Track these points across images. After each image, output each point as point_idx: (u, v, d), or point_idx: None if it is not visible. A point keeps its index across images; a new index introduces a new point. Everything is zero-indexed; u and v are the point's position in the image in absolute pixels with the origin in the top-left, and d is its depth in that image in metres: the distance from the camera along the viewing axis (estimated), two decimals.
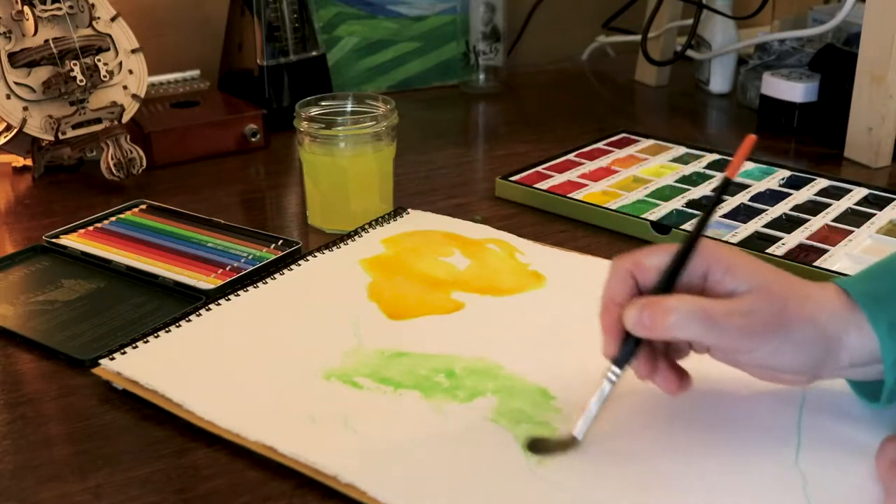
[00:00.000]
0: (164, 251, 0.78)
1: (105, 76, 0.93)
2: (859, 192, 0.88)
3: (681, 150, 1.00)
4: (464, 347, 0.63)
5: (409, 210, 0.85)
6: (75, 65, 0.91)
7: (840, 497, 0.49)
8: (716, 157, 0.97)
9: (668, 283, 0.52)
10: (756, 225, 0.81)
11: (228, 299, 0.70)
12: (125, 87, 0.96)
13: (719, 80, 1.25)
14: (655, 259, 0.53)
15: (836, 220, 0.82)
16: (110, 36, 0.95)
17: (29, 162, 0.98)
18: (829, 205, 0.85)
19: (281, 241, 0.79)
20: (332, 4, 1.21)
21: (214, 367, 0.62)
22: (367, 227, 0.82)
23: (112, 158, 0.92)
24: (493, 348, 0.63)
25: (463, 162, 1.03)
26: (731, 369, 0.54)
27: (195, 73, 1.17)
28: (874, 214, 0.83)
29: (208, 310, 0.68)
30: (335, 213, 0.83)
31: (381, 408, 0.57)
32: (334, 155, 0.81)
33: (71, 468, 0.54)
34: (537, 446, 0.53)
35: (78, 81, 0.91)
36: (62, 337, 0.66)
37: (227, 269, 0.75)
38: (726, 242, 0.77)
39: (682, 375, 0.53)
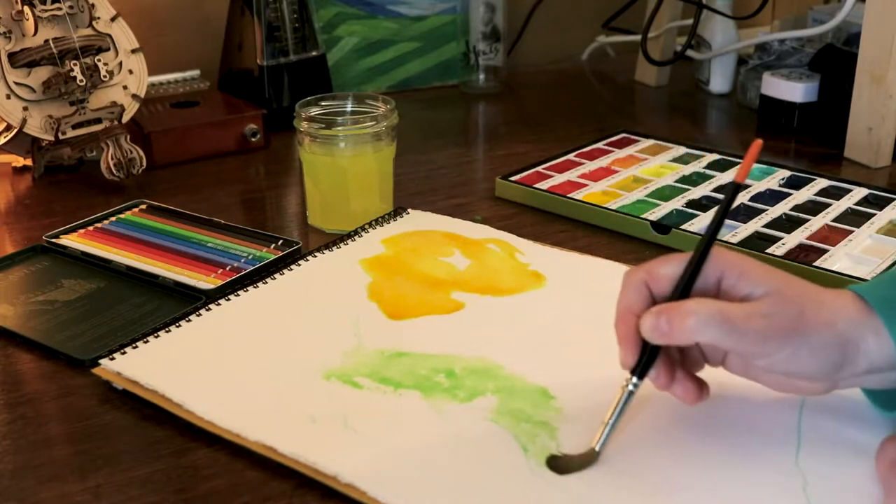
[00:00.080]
0: (164, 251, 0.78)
1: (105, 76, 0.93)
2: (859, 192, 0.88)
3: (681, 150, 1.00)
4: (464, 347, 0.63)
5: (409, 210, 0.85)
6: (75, 65, 0.91)
7: (840, 497, 0.49)
8: (716, 157, 0.97)
9: (685, 290, 0.52)
10: (756, 225, 0.81)
11: (228, 299, 0.70)
12: (125, 87, 0.96)
13: (719, 80, 1.25)
14: (668, 268, 0.52)
15: (836, 220, 0.82)
16: (110, 36, 0.95)
17: (29, 162, 0.98)
18: (829, 205, 0.85)
19: (281, 241, 0.79)
20: (332, 4, 1.21)
21: (214, 367, 0.62)
22: (367, 227, 0.82)
23: (112, 158, 0.92)
24: (493, 348, 0.63)
25: (463, 162, 1.03)
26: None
27: (195, 73, 1.17)
28: (874, 214, 0.83)
29: (208, 310, 0.68)
30: (335, 213, 0.83)
31: (381, 408, 0.57)
32: (334, 155, 0.81)
33: (71, 468, 0.54)
34: (558, 464, 0.52)
35: (78, 81, 0.91)
36: (62, 337, 0.66)
37: (227, 269, 0.75)
38: (726, 242, 0.77)
39: (700, 385, 0.53)
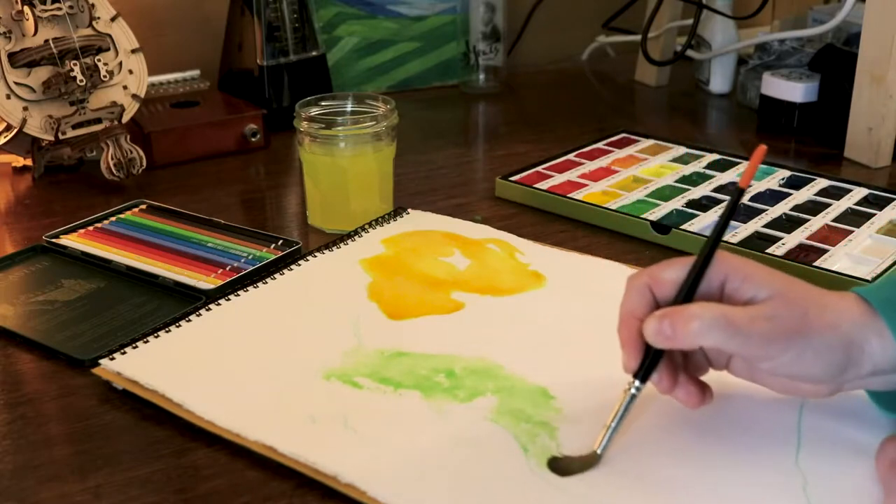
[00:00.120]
0: (164, 251, 0.78)
1: (105, 76, 0.93)
2: (859, 192, 0.88)
3: (681, 150, 1.00)
4: (464, 347, 0.63)
5: (409, 210, 0.85)
6: (75, 65, 0.91)
7: (840, 497, 0.49)
8: (716, 157, 0.97)
9: (688, 293, 0.52)
10: (756, 225, 0.81)
11: (228, 299, 0.70)
12: (125, 87, 0.96)
13: (719, 80, 1.25)
14: (672, 272, 0.52)
15: (836, 220, 0.82)
16: (110, 36, 0.95)
17: (29, 162, 0.98)
18: (829, 205, 0.85)
19: (281, 241, 0.79)
20: (332, 4, 1.21)
21: (214, 367, 0.62)
22: (367, 227, 0.82)
23: (112, 158, 0.92)
24: (493, 348, 0.63)
25: (463, 162, 1.03)
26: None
27: (195, 73, 1.17)
28: (874, 214, 0.83)
29: (208, 310, 0.68)
30: (335, 213, 0.83)
31: (381, 408, 0.57)
32: (334, 155, 0.81)
33: (71, 468, 0.54)
34: (559, 466, 0.52)
35: (78, 81, 0.91)
36: (62, 337, 0.66)
37: (227, 269, 0.75)
38: (726, 243, 0.77)
39: (703, 388, 0.53)
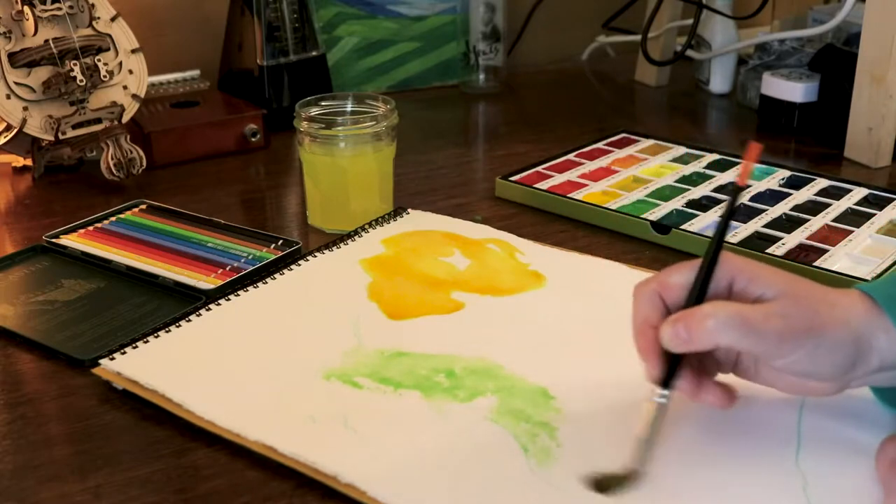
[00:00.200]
0: (164, 251, 0.78)
1: (105, 76, 0.93)
2: (859, 192, 0.88)
3: (681, 150, 1.00)
4: (464, 347, 0.63)
5: (409, 210, 0.85)
6: (75, 65, 0.91)
7: (840, 497, 0.49)
8: (716, 157, 0.97)
9: (699, 296, 0.51)
10: (756, 225, 0.81)
11: (228, 299, 0.70)
12: (125, 87, 0.96)
13: (719, 80, 1.25)
14: (679, 277, 0.53)
15: (836, 220, 0.82)
16: (110, 36, 0.95)
17: (29, 162, 0.98)
18: (829, 205, 0.85)
19: (281, 241, 0.79)
20: (332, 4, 1.21)
21: (214, 367, 0.62)
22: (367, 227, 0.82)
23: (112, 158, 0.92)
24: (493, 348, 0.63)
25: (463, 162, 1.03)
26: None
27: (195, 73, 1.17)
28: (874, 214, 0.83)
29: (208, 310, 0.68)
30: (335, 213, 0.83)
31: (381, 408, 0.57)
32: (334, 155, 0.81)
33: (71, 468, 0.54)
34: (603, 485, 0.50)
35: (78, 81, 0.91)
36: (62, 337, 0.66)
37: (227, 269, 0.75)
38: (726, 243, 0.77)
39: (728, 388, 0.53)
